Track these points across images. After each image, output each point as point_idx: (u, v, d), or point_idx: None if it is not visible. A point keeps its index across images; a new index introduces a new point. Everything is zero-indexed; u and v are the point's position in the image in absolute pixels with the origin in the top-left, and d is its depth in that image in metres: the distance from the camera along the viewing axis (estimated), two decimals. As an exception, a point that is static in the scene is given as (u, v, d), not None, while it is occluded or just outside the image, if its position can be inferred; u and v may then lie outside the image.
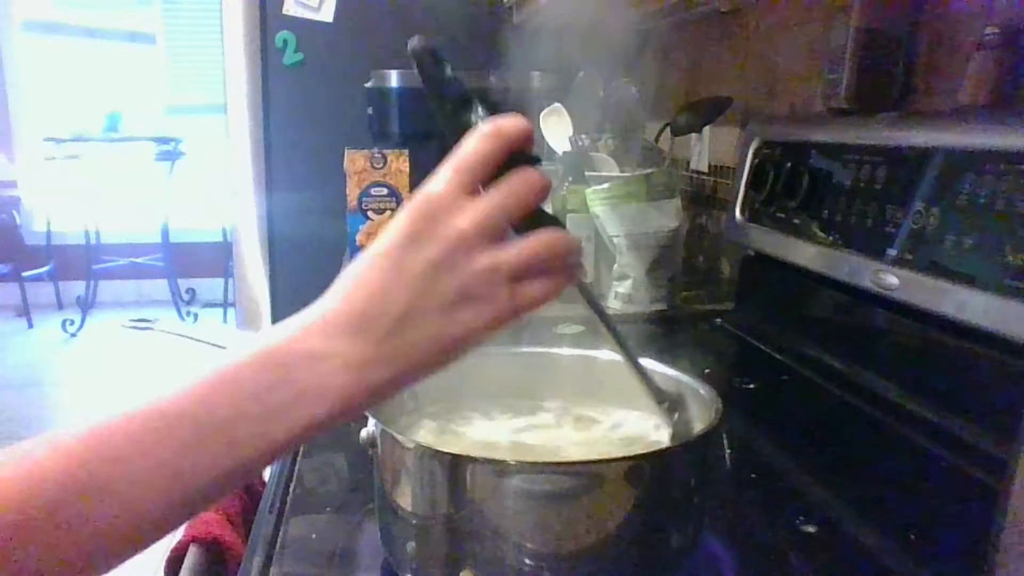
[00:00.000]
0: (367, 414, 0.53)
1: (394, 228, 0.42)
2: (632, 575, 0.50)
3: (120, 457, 0.37)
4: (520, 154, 0.43)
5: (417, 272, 0.41)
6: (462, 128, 0.44)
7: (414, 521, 0.51)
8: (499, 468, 0.49)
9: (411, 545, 0.52)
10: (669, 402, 0.56)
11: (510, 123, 0.43)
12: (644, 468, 0.49)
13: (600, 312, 0.51)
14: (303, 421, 0.39)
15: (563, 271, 0.44)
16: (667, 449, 0.53)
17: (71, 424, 0.38)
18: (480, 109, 0.46)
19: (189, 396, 0.39)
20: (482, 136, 0.43)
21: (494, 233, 0.42)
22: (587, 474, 0.49)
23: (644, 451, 0.54)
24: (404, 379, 0.42)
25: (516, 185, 0.43)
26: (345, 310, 0.41)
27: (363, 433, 0.54)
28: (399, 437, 0.51)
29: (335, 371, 0.40)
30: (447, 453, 0.51)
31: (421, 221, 0.42)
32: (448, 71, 0.45)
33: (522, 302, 0.43)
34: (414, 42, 0.45)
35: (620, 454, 0.54)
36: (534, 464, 0.52)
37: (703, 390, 0.57)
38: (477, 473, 0.48)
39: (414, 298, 0.41)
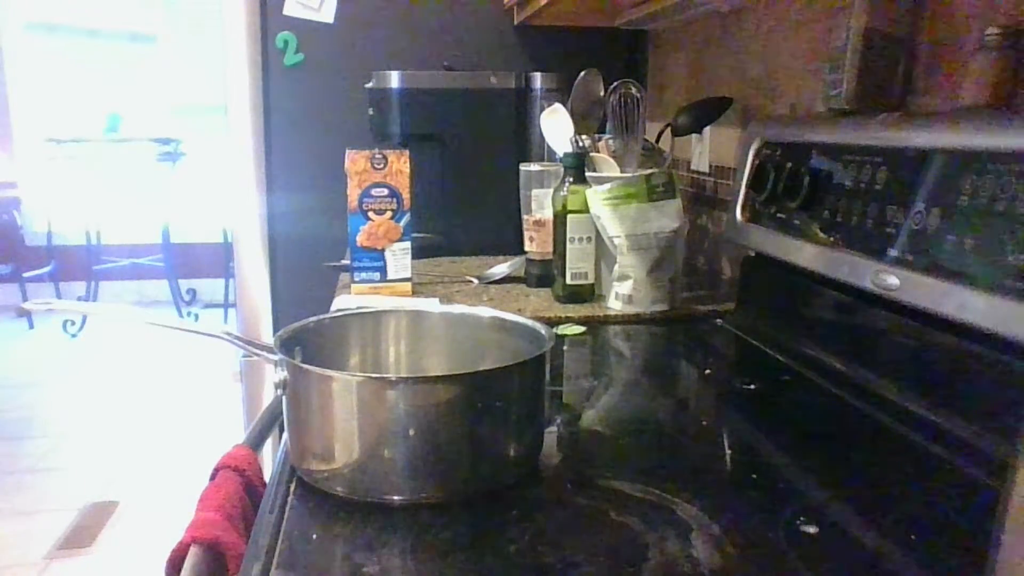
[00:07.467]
0: (278, 365, 0.66)
1: None
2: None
3: None
4: None
5: None
6: None
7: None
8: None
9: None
10: None
11: None
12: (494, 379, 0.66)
13: None
14: None
15: None
16: (513, 365, 0.68)
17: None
18: None
19: None
20: None
21: None
22: (451, 383, 0.64)
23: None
24: None
25: None
26: None
27: (275, 378, 0.67)
28: (314, 369, 0.65)
29: None
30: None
31: None
32: None
33: None
34: None
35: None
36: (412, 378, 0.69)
37: (543, 330, 0.74)
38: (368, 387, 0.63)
39: None
